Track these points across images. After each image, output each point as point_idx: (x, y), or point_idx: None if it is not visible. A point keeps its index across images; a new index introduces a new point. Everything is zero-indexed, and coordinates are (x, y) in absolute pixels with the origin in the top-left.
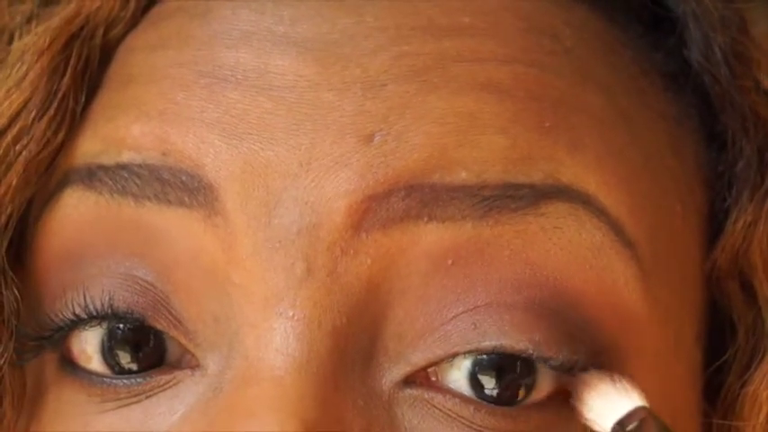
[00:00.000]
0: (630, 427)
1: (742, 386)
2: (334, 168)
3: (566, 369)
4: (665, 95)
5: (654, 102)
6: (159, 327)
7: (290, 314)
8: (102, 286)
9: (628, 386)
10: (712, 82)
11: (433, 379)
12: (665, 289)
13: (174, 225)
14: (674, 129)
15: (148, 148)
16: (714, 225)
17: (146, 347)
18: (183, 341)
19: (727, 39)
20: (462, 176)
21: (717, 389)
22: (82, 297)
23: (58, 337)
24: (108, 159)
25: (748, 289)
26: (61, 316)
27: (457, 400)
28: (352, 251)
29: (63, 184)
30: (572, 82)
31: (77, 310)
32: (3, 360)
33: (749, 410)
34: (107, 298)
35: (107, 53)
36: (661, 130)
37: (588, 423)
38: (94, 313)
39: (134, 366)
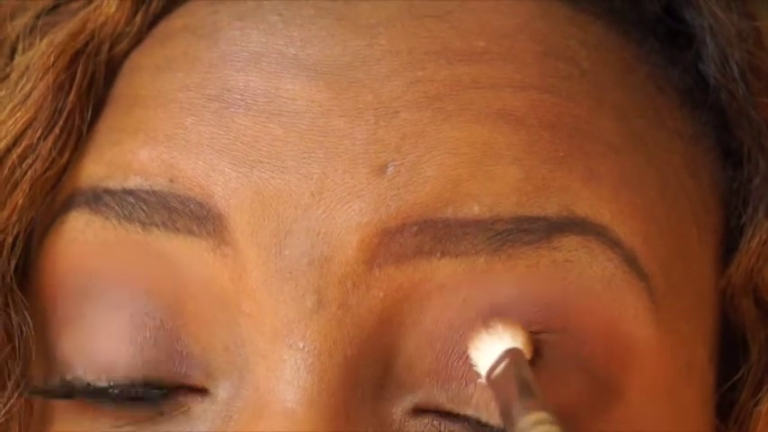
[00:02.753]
0: (496, 372)
1: (755, 404)
2: (347, 199)
3: None
4: (680, 112)
5: (669, 120)
6: (169, 382)
7: (301, 346)
8: (117, 346)
9: (500, 329)
10: (729, 98)
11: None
12: (679, 316)
13: (183, 253)
14: (690, 147)
15: (156, 174)
16: (729, 242)
17: None
18: (192, 380)
19: (743, 54)
20: (475, 211)
21: (730, 406)
22: (95, 371)
23: (68, 394)
24: (114, 184)
25: (762, 307)
26: (71, 387)
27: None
28: (364, 285)
29: (68, 205)
30: (588, 107)
31: (90, 388)
32: (16, 391)
33: (762, 429)
34: (123, 372)
35: (112, 69)
36: (677, 150)
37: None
38: (111, 384)
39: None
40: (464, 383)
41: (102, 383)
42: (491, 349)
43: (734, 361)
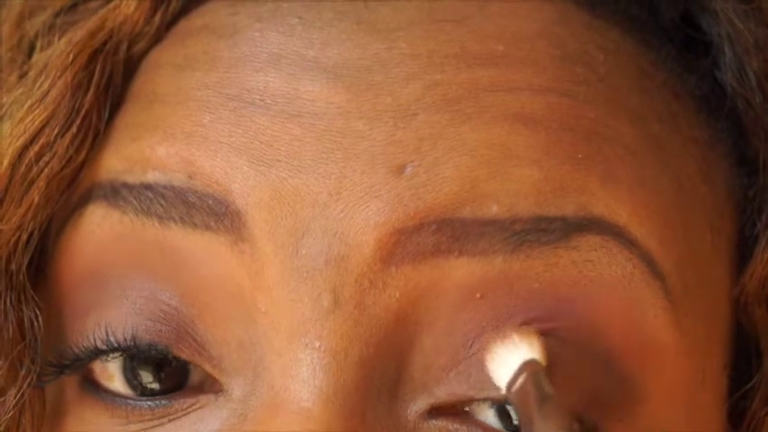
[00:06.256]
0: (514, 389)
1: (767, 413)
2: (365, 199)
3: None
4: (696, 119)
5: (685, 126)
6: (183, 356)
7: (317, 345)
8: (125, 316)
9: (516, 338)
10: (745, 106)
11: (460, 408)
12: (694, 319)
13: (200, 248)
14: (706, 153)
15: (174, 170)
16: (743, 250)
17: (168, 367)
18: (208, 368)
19: (761, 62)
20: (494, 210)
21: (741, 413)
22: (104, 332)
23: (78, 365)
24: (133, 178)
25: None
26: (82, 348)
27: None
28: (380, 284)
29: (86, 198)
30: (605, 111)
31: (98, 344)
32: (26, 382)
33: None
34: (130, 333)
35: (130, 68)
36: (692, 156)
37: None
38: (116, 346)
39: (156, 386)
40: (486, 376)
41: (106, 347)
42: (509, 361)
43: (746, 369)
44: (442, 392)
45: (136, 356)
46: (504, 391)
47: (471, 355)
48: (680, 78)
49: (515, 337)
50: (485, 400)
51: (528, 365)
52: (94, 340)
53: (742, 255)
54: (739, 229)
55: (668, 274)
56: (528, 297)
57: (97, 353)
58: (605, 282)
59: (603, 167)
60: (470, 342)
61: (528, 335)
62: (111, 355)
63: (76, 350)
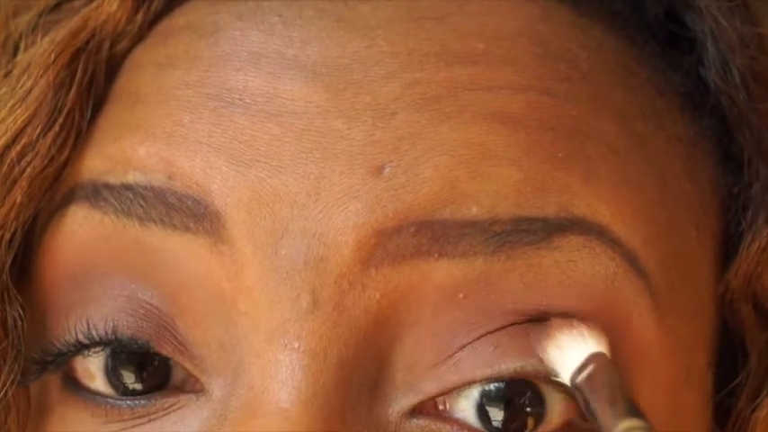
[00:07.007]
0: (581, 378)
1: (753, 410)
2: (343, 200)
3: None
4: (681, 116)
5: (670, 123)
6: (164, 352)
7: (296, 346)
8: (106, 312)
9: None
10: (730, 103)
11: (441, 408)
12: (679, 317)
13: (180, 249)
14: (690, 150)
15: (155, 170)
16: (728, 247)
17: (150, 367)
18: (188, 366)
19: (745, 60)
20: (473, 212)
21: (727, 411)
22: (85, 325)
23: (61, 360)
24: (114, 179)
25: (761, 313)
26: (64, 342)
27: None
28: (360, 286)
29: (68, 198)
30: (588, 109)
31: (80, 337)
32: (9, 380)
33: None
34: (111, 326)
35: (112, 67)
36: (677, 153)
37: (554, 378)
38: (98, 339)
39: (138, 386)
40: (469, 374)
41: (87, 341)
42: (575, 351)
43: (732, 367)
44: (432, 387)
45: (118, 355)
46: (563, 377)
47: (461, 348)
48: (664, 75)
49: (584, 330)
50: (486, 380)
51: (596, 357)
52: (76, 334)
53: (727, 252)
54: (724, 227)
55: (652, 272)
56: (514, 296)
57: (79, 347)
58: (588, 282)
59: (585, 166)
60: (459, 338)
61: (596, 330)
62: (93, 350)
63: (59, 345)
